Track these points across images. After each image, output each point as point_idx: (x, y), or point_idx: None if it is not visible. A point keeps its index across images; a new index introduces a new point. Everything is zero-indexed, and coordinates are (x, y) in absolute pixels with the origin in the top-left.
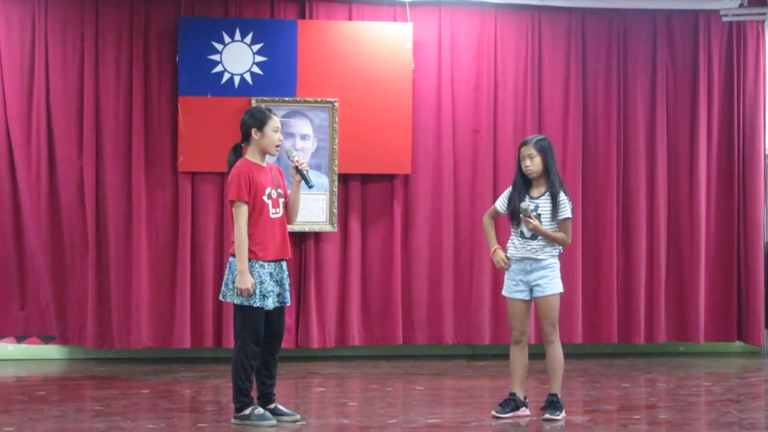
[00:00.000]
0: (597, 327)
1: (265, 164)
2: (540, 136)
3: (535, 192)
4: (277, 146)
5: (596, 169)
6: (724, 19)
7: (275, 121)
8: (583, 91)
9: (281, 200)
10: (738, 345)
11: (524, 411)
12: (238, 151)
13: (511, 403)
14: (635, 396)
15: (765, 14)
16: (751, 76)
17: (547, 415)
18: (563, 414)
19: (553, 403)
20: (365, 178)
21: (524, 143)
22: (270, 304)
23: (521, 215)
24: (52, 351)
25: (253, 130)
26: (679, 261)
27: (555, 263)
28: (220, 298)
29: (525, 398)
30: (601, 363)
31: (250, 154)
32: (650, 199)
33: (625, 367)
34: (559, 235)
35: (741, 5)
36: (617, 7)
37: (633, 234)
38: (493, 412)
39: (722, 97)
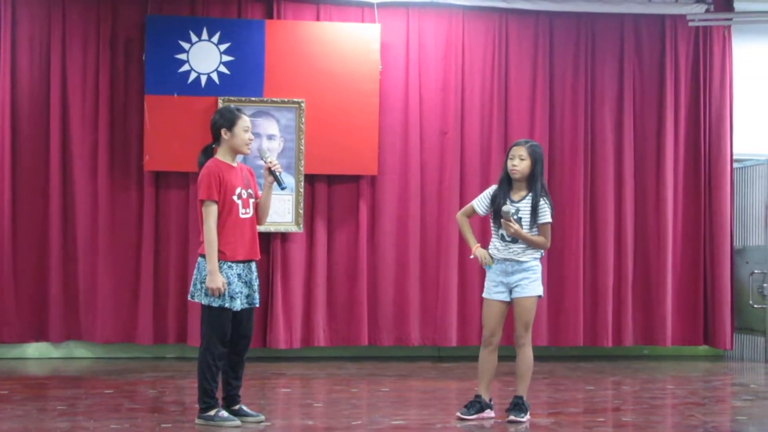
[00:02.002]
0: (563, 330)
1: (235, 164)
2: (535, 142)
3: (515, 195)
4: (247, 145)
5: (563, 172)
6: (691, 24)
7: (245, 121)
8: (550, 94)
9: (251, 201)
10: (703, 348)
11: (489, 413)
12: (208, 152)
13: (477, 405)
14: (600, 398)
15: (731, 19)
16: (717, 80)
17: (512, 417)
18: (528, 416)
19: (518, 405)
20: (331, 179)
21: (517, 144)
22: (237, 305)
23: (502, 219)
24: (15, 350)
25: (223, 130)
26: (646, 265)
27: (537, 266)
28: (189, 298)
29: (490, 400)
30: (566, 365)
31: (221, 154)
32: (617, 203)
33: (590, 370)
34: (539, 239)
35: (707, 11)
36: (585, 11)
37: (600, 238)
38: (458, 414)
39: (689, 101)
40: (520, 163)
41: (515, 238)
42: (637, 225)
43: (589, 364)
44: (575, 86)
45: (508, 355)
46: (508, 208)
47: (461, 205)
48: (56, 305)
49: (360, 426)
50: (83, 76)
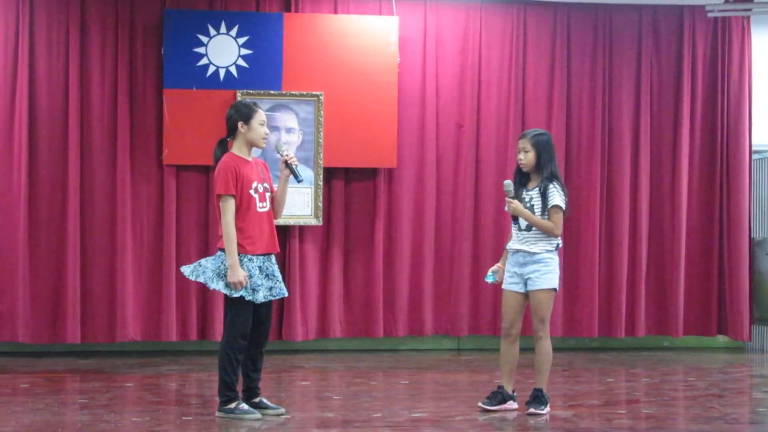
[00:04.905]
0: (578, 320)
1: (251, 158)
2: (540, 131)
3: (530, 185)
4: (264, 139)
5: (579, 164)
6: (710, 14)
7: (261, 115)
8: (568, 86)
9: (267, 194)
10: (722, 340)
11: (512, 404)
12: (224, 146)
13: (499, 396)
14: (619, 390)
15: (750, 10)
16: (736, 71)
17: (531, 410)
18: (548, 408)
19: (537, 398)
20: (350, 172)
21: (522, 136)
22: (260, 297)
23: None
24: (36, 345)
25: (240, 124)
26: (660, 256)
27: (550, 258)
28: (219, 291)
29: (513, 392)
30: (585, 357)
31: (237, 149)
32: (633, 194)
33: (608, 362)
34: (546, 222)
35: (726, 1)
36: (603, 2)
37: (615, 229)
38: (480, 404)
39: (706, 92)
40: (525, 156)
41: (529, 226)
42: (652, 216)
43: (609, 356)
44: (593, 78)
45: (529, 347)
46: (508, 182)
47: (476, 199)
48: (74, 303)
49: (379, 419)
50: (102, 71)
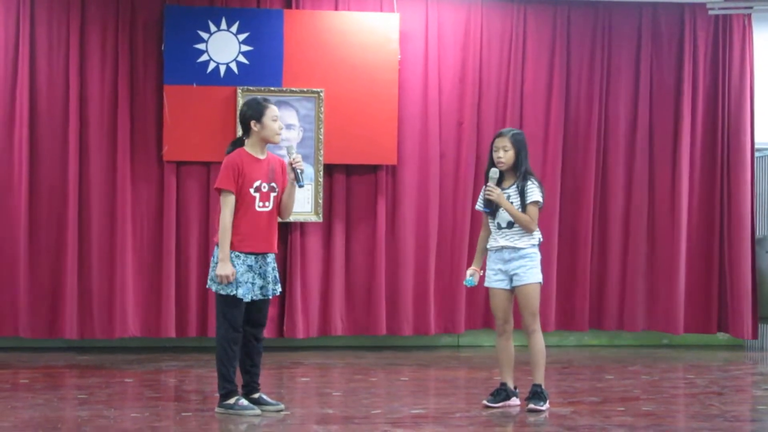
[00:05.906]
0: (574, 317)
1: (263, 156)
2: (516, 130)
3: (506, 183)
4: (278, 134)
5: (576, 160)
6: (711, 12)
7: (273, 110)
8: (567, 83)
9: (273, 194)
10: (722, 338)
11: (515, 401)
12: (238, 144)
13: (502, 393)
14: (619, 388)
15: (751, 8)
16: (737, 69)
17: (531, 406)
18: (547, 405)
19: (537, 394)
20: (351, 169)
21: (500, 134)
22: (240, 293)
23: (485, 187)
24: (36, 340)
25: (253, 122)
26: (659, 254)
27: (534, 253)
28: (207, 287)
29: (515, 388)
30: (584, 355)
31: (249, 146)
32: (631, 192)
33: (608, 359)
34: (524, 216)
35: None
36: (603, 0)
37: (611, 226)
38: (484, 402)
39: (707, 90)
40: (504, 154)
41: (510, 223)
42: (653, 214)
43: (608, 353)
44: (591, 77)
45: (519, 343)
46: (494, 171)
47: (474, 196)
48: (73, 299)
49: (379, 415)
50: (102, 67)
